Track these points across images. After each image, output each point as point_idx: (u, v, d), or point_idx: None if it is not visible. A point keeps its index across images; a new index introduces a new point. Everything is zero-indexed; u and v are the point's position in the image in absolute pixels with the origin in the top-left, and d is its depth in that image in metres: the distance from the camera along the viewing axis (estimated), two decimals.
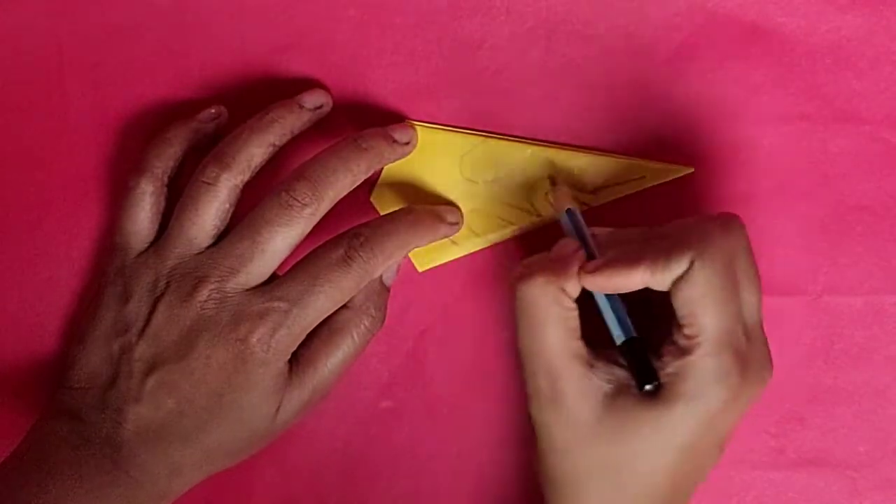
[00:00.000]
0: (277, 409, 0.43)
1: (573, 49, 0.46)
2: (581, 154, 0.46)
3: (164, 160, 0.45)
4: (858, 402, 0.47)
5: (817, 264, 0.47)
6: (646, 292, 0.40)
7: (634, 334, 0.41)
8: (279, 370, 0.42)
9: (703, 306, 0.39)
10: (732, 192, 0.47)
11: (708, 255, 0.39)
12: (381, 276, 0.45)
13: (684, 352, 0.39)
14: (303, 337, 0.42)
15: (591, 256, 0.42)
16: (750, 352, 0.40)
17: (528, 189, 0.47)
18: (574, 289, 0.41)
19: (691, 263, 0.39)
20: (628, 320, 0.41)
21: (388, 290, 0.46)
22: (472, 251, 0.47)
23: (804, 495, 0.47)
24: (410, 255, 0.47)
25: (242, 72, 0.47)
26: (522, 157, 0.47)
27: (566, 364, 0.41)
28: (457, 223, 0.46)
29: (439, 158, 0.47)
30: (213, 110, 0.46)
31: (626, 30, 0.46)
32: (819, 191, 0.47)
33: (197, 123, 0.46)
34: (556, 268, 0.41)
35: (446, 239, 0.46)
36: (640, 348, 0.41)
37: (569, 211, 0.44)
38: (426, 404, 0.48)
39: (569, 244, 0.43)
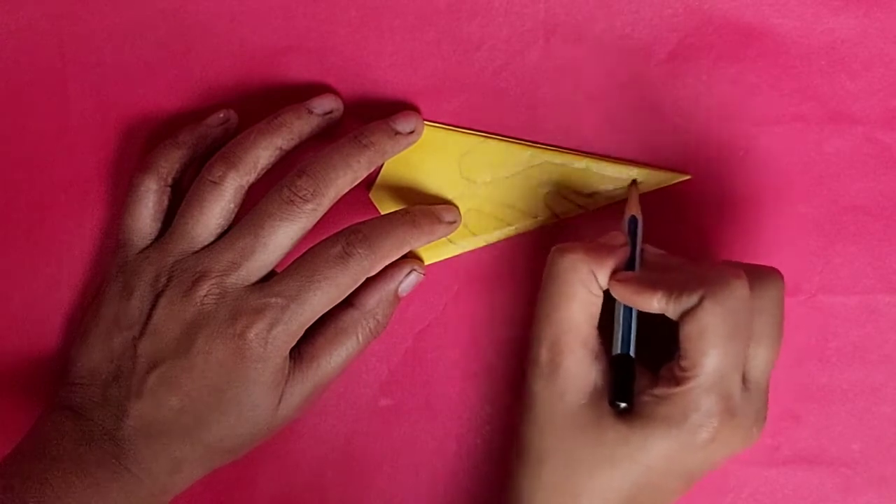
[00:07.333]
0: (278, 404, 0.43)
1: (571, 50, 0.47)
2: (580, 157, 0.47)
3: (171, 161, 0.45)
4: (853, 401, 0.47)
5: (812, 264, 0.47)
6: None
7: (631, 353, 0.41)
8: (278, 365, 0.42)
9: (701, 344, 0.39)
10: (728, 192, 0.47)
11: (719, 297, 0.39)
12: (397, 287, 0.46)
13: (676, 381, 0.40)
14: (301, 333, 0.42)
15: (631, 266, 0.42)
16: (744, 404, 0.40)
17: (525, 191, 0.47)
18: (604, 280, 0.42)
19: (700, 301, 0.39)
20: (632, 338, 0.41)
21: (399, 300, 0.46)
22: (468, 250, 0.48)
23: (799, 492, 0.47)
24: None
25: (243, 73, 0.48)
26: (521, 159, 0.47)
27: (571, 344, 0.41)
28: (454, 222, 0.47)
29: (439, 157, 0.47)
30: (221, 115, 0.46)
31: (623, 31, 0.47)
32: (814, 191, 0.47)
33: (205, 128, 0.46)
34: (597, 252, 0.42)
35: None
36: (628, 367, 0.41)
37: (632, 217, 0.44)
38: (425, 402, 0.48)
39: (618, 237, 0.43)
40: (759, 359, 0.41)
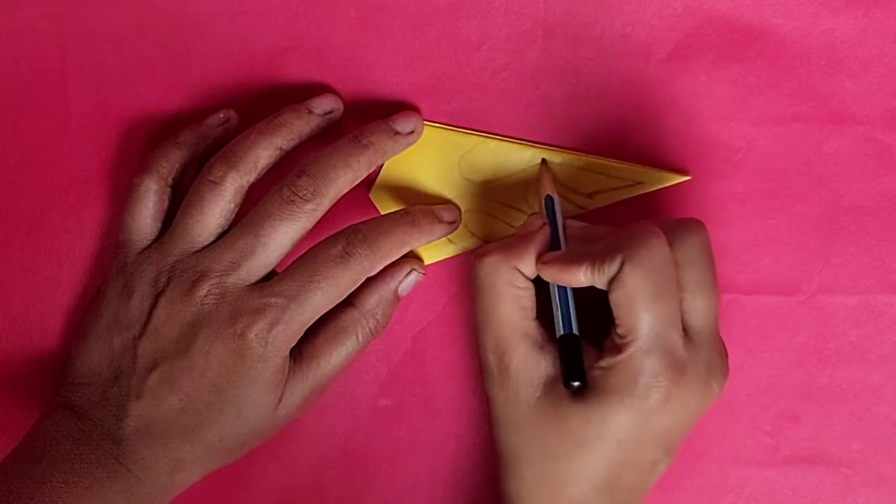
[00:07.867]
0: (278, 403, 0.43)
1: (570, 50, 0.47)
2: (579, 157, 0.47)
3: (171, 161, 0.45)
4: (852, 401, 0.47)
5: (811, 264, 0.47)
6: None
7: (574, 332, 0.41)
8: (278, 365, 0.42)
9: (630, 308, 0.39)
10: (727, 192, 0.47)
11: (638, 259, 0.39)
12: (397, 286, 0.46)
13: (618, 349, 0.40)
14: (301, 333, 0.42)
15: (556, 245, 0.43)
16: (691, 357, 0.40)
17: (525, 191, 0.47)
18: (529, 270, 0.42)
19: (621, 266, 0.39)
20: (572, 316, 0.42)
21: (398, 300, 0.46)
22: (467, 249, 0.48)
23: (798, 492, 0.47)
24: None
25: (243, 73, 0.48)
26: (521, 159, 0.47)
27: (514, 342, 0.42)
28: (454, 222, 0.47)
29: (439, 157, 0.47)
30: (221, 115, 0.46)
31: (623, 31, 0.47)
32: (813, 191, 0.47)
33: (205, 128, 0.46)
34: (513, 247, 0.42)
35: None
36: (574, 346, 0.41)
37: (547, 197, 0.44)
38: (424, 402, 0.48)
39: (533, 222, 0.44)
40: (698, 309, 0.41)
